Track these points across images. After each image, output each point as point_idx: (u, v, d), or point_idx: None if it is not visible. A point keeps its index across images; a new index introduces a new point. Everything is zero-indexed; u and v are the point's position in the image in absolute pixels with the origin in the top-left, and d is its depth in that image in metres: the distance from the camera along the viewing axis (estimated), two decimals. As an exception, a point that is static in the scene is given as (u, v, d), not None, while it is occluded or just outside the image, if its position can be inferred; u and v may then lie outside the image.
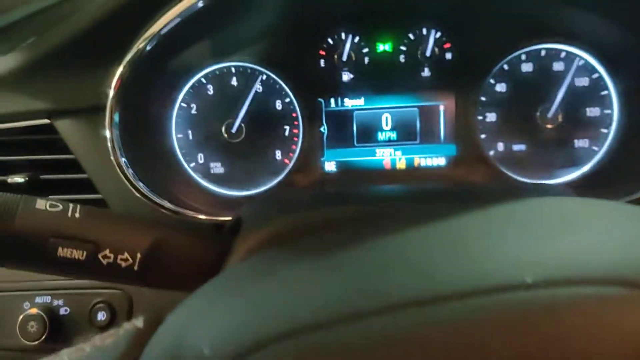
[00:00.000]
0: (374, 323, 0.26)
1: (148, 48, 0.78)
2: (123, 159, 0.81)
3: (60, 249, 0.43)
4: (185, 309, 0.35)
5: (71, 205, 0.45)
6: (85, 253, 0.44)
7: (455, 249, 0.31)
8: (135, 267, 0.46)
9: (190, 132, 1.01)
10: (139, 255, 0.46)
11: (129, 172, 0.82)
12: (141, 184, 0.82)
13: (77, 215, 0.45)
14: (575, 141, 0.99)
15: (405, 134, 1.03)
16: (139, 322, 0.37)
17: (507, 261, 0.28)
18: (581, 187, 0.97)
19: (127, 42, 0.79)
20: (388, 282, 0.28)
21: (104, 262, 0.45)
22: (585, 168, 0.99)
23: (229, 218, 0.73)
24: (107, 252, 0.45)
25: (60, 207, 0.45)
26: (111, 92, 0.80)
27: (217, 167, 1.03)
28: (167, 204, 0.84)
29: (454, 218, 0.35)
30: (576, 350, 0.25)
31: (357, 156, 1.04)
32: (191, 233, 0.51)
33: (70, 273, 0.45)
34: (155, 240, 0.47)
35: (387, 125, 1.03)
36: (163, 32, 0.77)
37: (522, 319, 0.25)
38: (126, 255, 0.46)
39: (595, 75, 0.98)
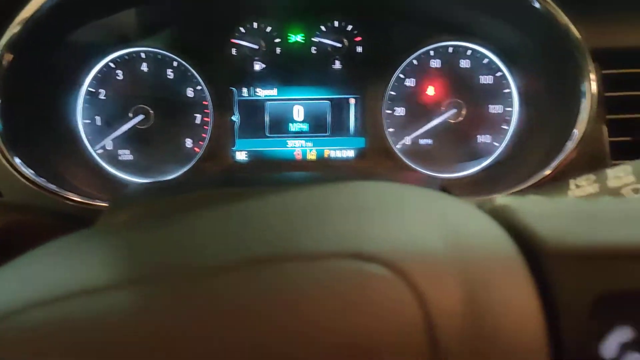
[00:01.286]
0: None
1: (25, 31, 0.75)
2: (15, 157, 0.77)
3: None
4: None
5: None
6: None
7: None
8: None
9: (98, 117, 0.99)
10: (-16, 238, 0.45)
11: (15, 161, 0.77)
12: (30, 170, 0.78)
13: None
14: (479, 136, 1.03)
15: (316, 126, 1.04)
16: None
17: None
18: (482, 179, 1.01)
19: (4, 26, 0.75)
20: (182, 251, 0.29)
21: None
22: (487, 162, 1.03)
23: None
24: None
25: None
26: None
27: (125, 154, 1.01)
28: (49, 185, 0.77)
29: (287, 199, 0.35)
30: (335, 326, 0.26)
31: (269, 146, 1.04)
32: (53, 217, 0.50)
33: None
34: (5, 224, 0.46)
35: (298, 116, 1.03)
36: (37, 15, 0.74)
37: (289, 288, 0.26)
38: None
39: (499, 74, 1.01)
